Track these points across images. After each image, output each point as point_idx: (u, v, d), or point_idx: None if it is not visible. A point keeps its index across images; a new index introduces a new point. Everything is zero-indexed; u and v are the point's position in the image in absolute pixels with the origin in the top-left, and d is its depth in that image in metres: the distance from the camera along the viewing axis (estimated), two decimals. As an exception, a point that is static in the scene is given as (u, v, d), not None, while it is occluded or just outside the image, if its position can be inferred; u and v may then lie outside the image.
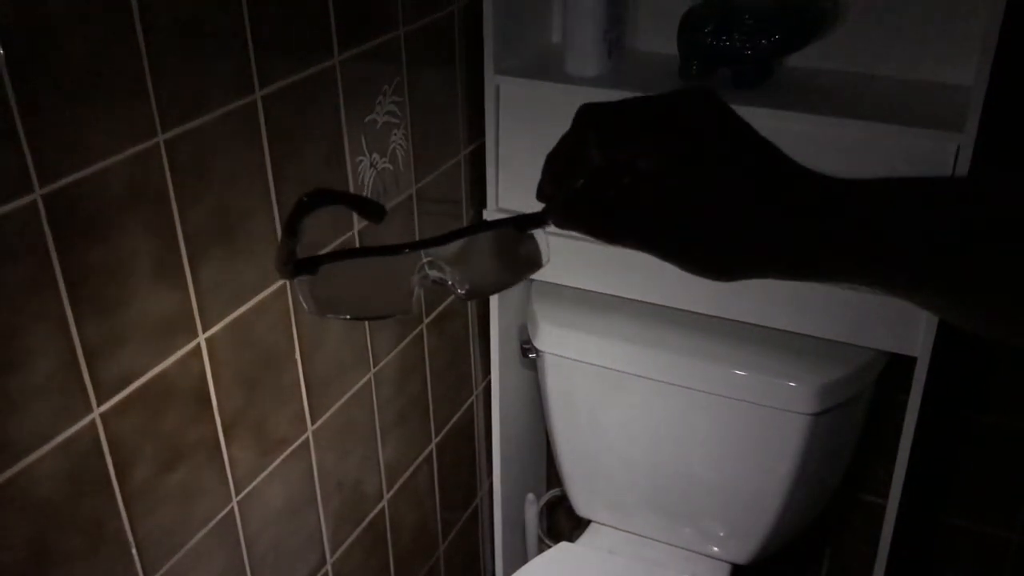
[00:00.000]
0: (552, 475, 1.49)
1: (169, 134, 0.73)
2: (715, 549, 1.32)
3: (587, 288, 1.23)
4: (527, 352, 1.29)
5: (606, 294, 1.23)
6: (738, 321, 1.17)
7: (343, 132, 0.95)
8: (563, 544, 1.31)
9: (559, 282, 1.25)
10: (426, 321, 1.18)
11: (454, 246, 0.49)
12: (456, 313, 1.26)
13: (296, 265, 0.49)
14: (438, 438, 1.27)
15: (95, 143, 0.68)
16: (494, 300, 1.30)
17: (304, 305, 0.50)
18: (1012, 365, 1.27)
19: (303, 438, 0.98)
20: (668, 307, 1.20)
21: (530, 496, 1.41)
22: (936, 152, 0.99)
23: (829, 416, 1.15)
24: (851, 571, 1.51)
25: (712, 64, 1.11)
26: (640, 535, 1.35)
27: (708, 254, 0.45)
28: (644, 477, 1.30)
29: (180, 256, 0.77)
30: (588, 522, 1.38)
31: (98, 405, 0.72)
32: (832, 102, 1.06)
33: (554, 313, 1.26)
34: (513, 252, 0.51)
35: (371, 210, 0.56)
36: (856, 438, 1.26)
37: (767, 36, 1.06)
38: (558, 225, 0.48)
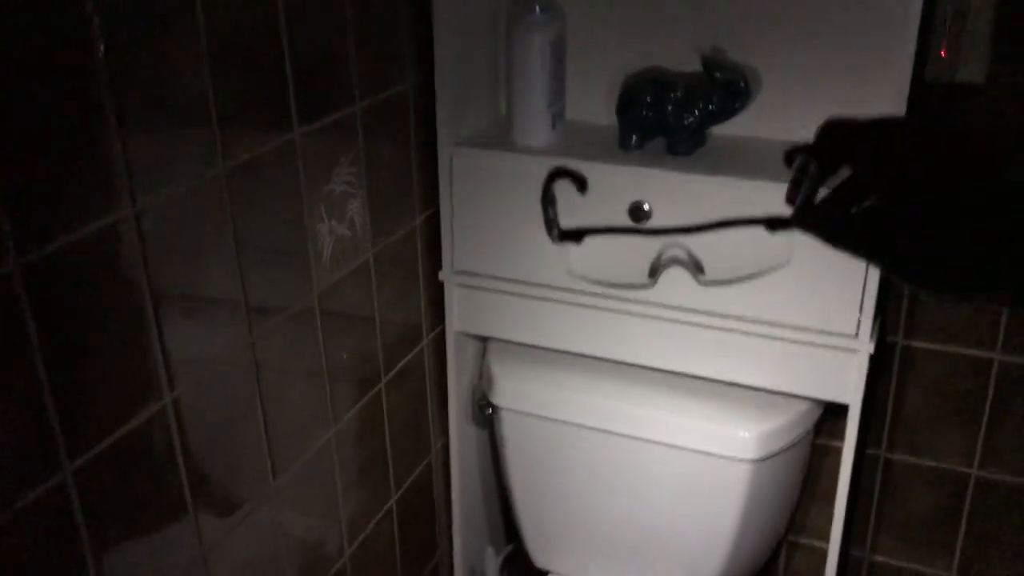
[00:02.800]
0: (510, 527, 1.53)
1: (139, 205, 0.78)
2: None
3: (540, 345, 1.29)
4: (484, 409, 1.34)
5: (558, 350, 1.28)
6: (683, 373, 1.23)
7: (303, 201, 1.00)
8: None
9: (513, 339, 1.30)
10: (385, 379, 1.23)
11: (701, 236, 0.53)
12: (413, 372, 1.31)
13: (563, 233, 0.56)
14: (398, 494, 1.31)
15: (66, 214, 0.73)
16: (450, 359, 1.35)
17: (564, 267, 0.56)
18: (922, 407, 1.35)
19: (266, 495, 1.02)
20: (618, 361, 1.26)
21: (489, 550, 1.44)
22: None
23: (771, 462, 1.20)
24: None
25: (649, 134, 1.19)
26: (597, 585, 1.39)
27: (947, 273, 0.46)
28: (598, 527, 1.34)
29: (148, 322, 0.82)
30: (546, 573, 1.42)
31: (70, 461, 0.76)
32: (761, 167, 1.14)
33: (509, 370, 1.31)
34: (758, 249, 0.57)
35: (579, 181, 0.64)
36: (799, 482, 1.32)
37: (698, 108, 1.14)
38: (800, 228, 0.51)
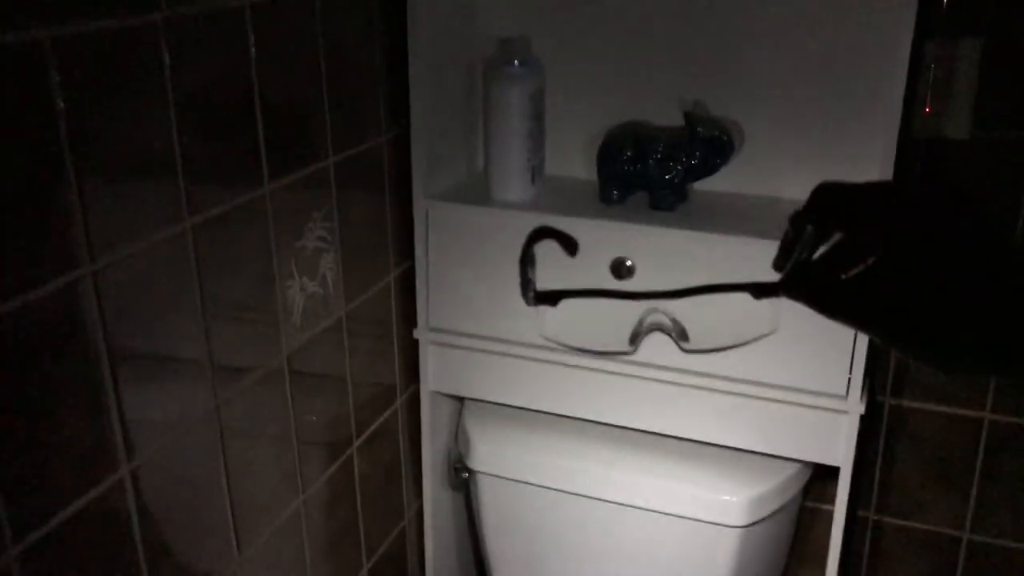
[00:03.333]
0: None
1: (99, 263, 0.74)
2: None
3: (519, 405, 1.24)
4: (460, 473, 1.29)
5: (538, 411, 1.24)
6: (668, 435, 1.19)
7: (273, 258, 0.96)
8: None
9: (491, 400, 1.26)
10: (356, 443, 1.17)
11: (685, 300, 0.52)
12: (386, 434, 1.25)
13: (539, 295, 0.55)
14: (370, 563, 1.25)
15: (20, 273, 0.68)
16: (425, 420, 1.30)
17: (538, 329, 0.55)
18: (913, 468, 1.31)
19: (230, 571, 0.95)
20: (599, 423, 1.21)
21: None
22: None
23: (760, 527, 1.16)
24: None
25: (631, 189, 1.16)
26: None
27: (940, 347, 0.45)
28: (580, 597, 1.29)
29: (105, 386, 0.76)
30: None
31: (14, 543, 0.70)
32: (741, 223, 1.11)
33: (486, 432, 1.26)
34: (744, 316, 0.53)
35: (569, 245, 0.59)
36: (787, 545, 1.28)
37: (679, 163, 1.12)
38: (786, 294, 0.50)
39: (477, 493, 1.28)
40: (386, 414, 1.25)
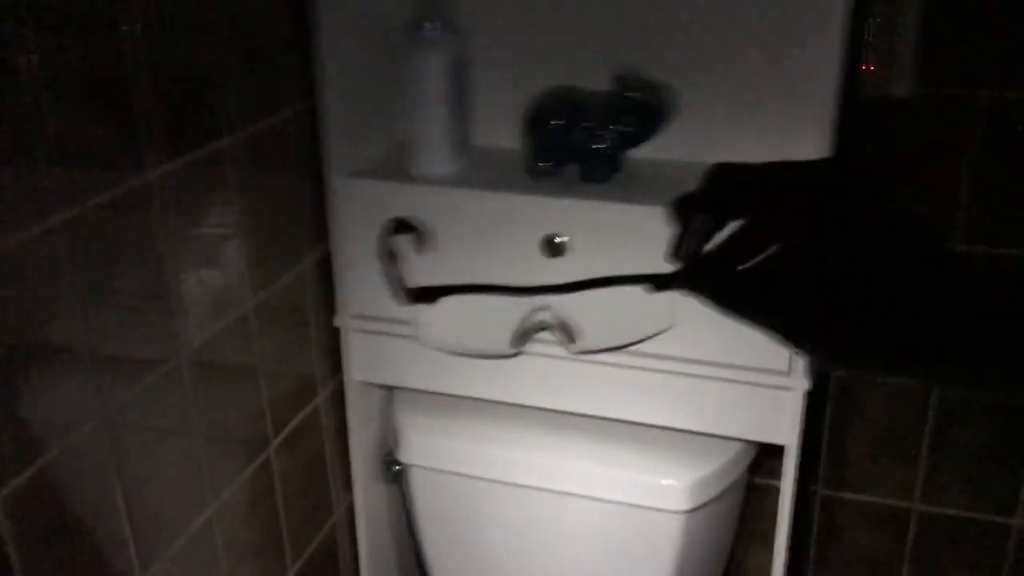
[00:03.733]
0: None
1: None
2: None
3: (450, 393, 1.17)
4: (391, 465, 1.22)
5: (470, 398, 1.17)
6: (605, 418, 1.13)
7: (165, 250, 0.87)
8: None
9: (420, 388, 1.18)
10: (274, 443, 1.09)
11: (575, 296, 0.46)
12: (309, 429, 1.17)
13: (415, 293, 0.48)
14: (296, 567, 1.17)
15: None
16: (351, 412, 1.22)
17: (414, 333, 0.47)
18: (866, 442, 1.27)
19: (133, 592, 0.87)
20: (535, 408, 1.15)
21: (402, 620, 1.32)
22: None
23: (704, 510, 1.11)
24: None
25: (560, 160, 1.09)
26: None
27: (847, 342, 0.40)
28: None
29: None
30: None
31: None
32: (679, 193, 1.05)
33: (417, 422, 1.19)
34: (638, 312, 0.50)
35: (419, 235, 0.50)
36: (734, 525, 1.23)
37: (612, 131, 1.05)
38: (685, 289, 0.45)
39: (410, 486, 1.21)
40: (308, 408, 1.17)
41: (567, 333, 0.51)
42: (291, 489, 1.13)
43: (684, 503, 1.08)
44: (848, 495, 1.31)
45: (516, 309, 0.50)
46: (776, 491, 1.25)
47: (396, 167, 1.13)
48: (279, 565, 1.14)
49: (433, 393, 1.18)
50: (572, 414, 1.14)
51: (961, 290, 0.39)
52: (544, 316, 0.51)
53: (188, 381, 0.92)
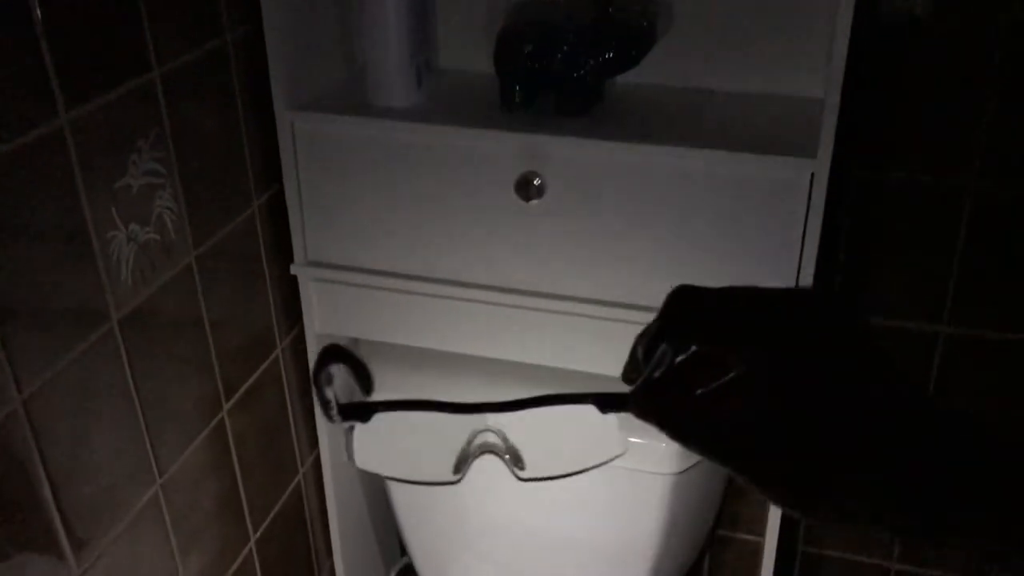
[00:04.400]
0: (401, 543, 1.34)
1: None
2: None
3: (419, 346, 1.08)
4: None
5: (441, 352, 1.08)
6: (589, 375, 1.04)
7: (83, 208, 0.76)
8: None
9: (386, 341, 1.09)
10: (227, 405, 1.00)
11: (521, 415, 0.45)
12: (267, 385, 1.08)
13: (345, 410, 0.45)
14: (259, 533, 1.10)
15: None
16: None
17: (346, 454, 0.46)
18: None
19: (69, 584, 0.79)
20: (513, 362, 1.06)
21: (375, 579, 1.25)
22: (788, 181, 0.89)
23: (694, 471, 1.03)
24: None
25: (534, 88, 0.97)
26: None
27: (800, 487, 0.38)
28: (500, 549, 1.16)
29: None
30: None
31: None
32: (670, 128, 0.94)
33: (384, 379, 1.09)
34: (588, 434, 0.46)
35: (362, 378, 0.46)
36: (724, 483, 1.16)
37: (593, 55, 0.93)
38: (634, 413, 0.43)
39: (377, 445, 1.13)
40: (265, 364, 1.07)
41: (516, 457, 0.47)
42: (248, 452, 1.05)
43: (674, 464, 1.01)
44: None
45: (459, 430, 0.46)
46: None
47: (353, 98, 1.01)
48: (239, 533, 1.06)
49: (402, 347, 1.09)
50: (555, 370, 1.05)
51: (934, 445, 0.37)
52: (489, 438, 0.47)
53: (123, 347, 0.82)
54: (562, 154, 0.93)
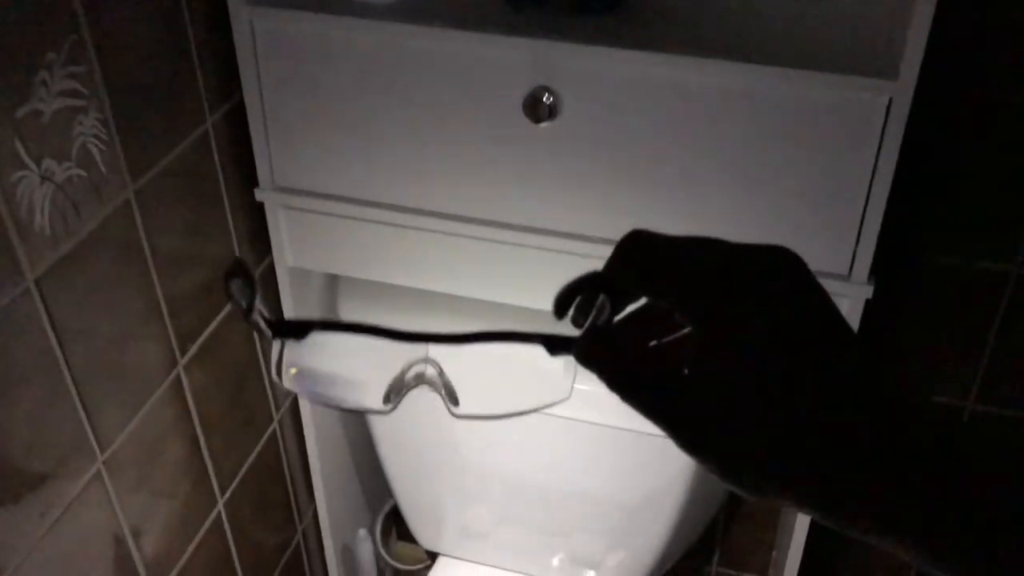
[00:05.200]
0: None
1: None
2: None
3: (406, 285, 0.93)
4: (336, 369, 0.99)
5: (433, 292, 0.93)
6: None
7: (-24, 144, 0.59)
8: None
9: (368, 278, 0.94)
10: (184, 359, 0.86)
11: (462, 349, 0.43)
12: (233, 329, 0.94)
13: (281, 327, 0.43)
14: (227, 495, 0.97)
15: None
16: (287, 303, 0.98)
17: (274, 374, 0.44)
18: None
19: (-8, 590, 0.67)
20: (515, 306, 0.91)
21: (362, 532, 1.14)
22: (857, 106, 0.72)
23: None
24: (745, 559, 1.33)
25: (548, -17, 0.79)
26: (501, 569, 1.11)
27: (741, 462, 0.35)
28: (497, 507, 1.05)
29: None
30: (436, 555, 1.13)
31: None
32: (709, 36, 0.76)
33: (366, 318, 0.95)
34: (532, 375, 0.44)
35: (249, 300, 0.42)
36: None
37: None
38: (578, 360, 0.41)
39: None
40: (230, 305, 0.92)
41: (450, 393, 0.45)
42: (212, 407, 0.92)
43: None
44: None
45: (395, 358, 0.43)
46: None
47: (326, -9, 0.83)
48: (204, 499, 0.94)
49: (384, 285, 0.94)
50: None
51: (892, 427, 0.34)
52: (425, 369, 0.44)
53: (43, 311, 0.67)
54: (580, 65, 0.76)
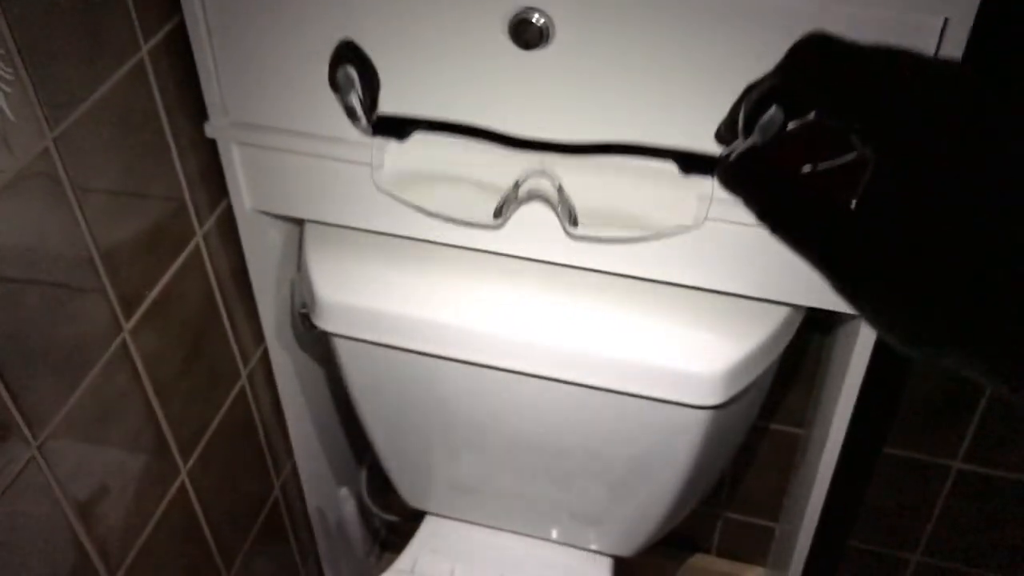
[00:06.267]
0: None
1: None
2: (591, 542, 1.02)
3: (380, 231, 0.82)
4: (307, 324, 0.89)
5: (411, 239, 0.83)
6: (600, 272, 0.80)
7: None
8: (391, 573, 0.98)
9: (338, 223, 0.83)
10: (129, 325, 0.76)
11: (584, 161, 0.38)
12: (187, 283, 0.84)
13: (381, 123, 0.40)
14: (190, 463, 0.89)
15: None
16: (248, 248, 0.88)
17: (373, 178, 0.42)
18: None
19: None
20: (503, 254, 0.81)
21: (343, 491, 1.06)
22: (903, 29, 0.61)
23: (736, 399, 0.81)
24: (755, 503, 1.27)
25: None
26: (491, 528, 1.04)
27: (920, 312, 0.29)
28: (488, 466, 0.96)
29: None
30: (424, 514, 1.06)
31: None
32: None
33: (339, 276, 0.85)
34: (658, 196, 0.39)
35: (370, 80, 0.42)
36: (765, 395, 0.94)
37: None
38: (723, 181, 0.35)
39: (336, 355, 0.90)
40: (182, 257, 0.82)
41: (568, 211, 0.40)
42: (167, 369, 0.82)
43: (715, 396, 0.78)
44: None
45: (508, 167, 0.39)
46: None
47: None
48: (165, 469, 0.85)
49: (357, 231, 0.84)
50: (554, 265, 0.80)
51: None
52: (542, 184, 0.39)
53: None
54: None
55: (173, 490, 0.87)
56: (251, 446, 1.02)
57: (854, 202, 0.31)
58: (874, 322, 0.31)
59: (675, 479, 0.88)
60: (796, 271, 0.72)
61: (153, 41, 0.73)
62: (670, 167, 0.38)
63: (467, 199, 0.43)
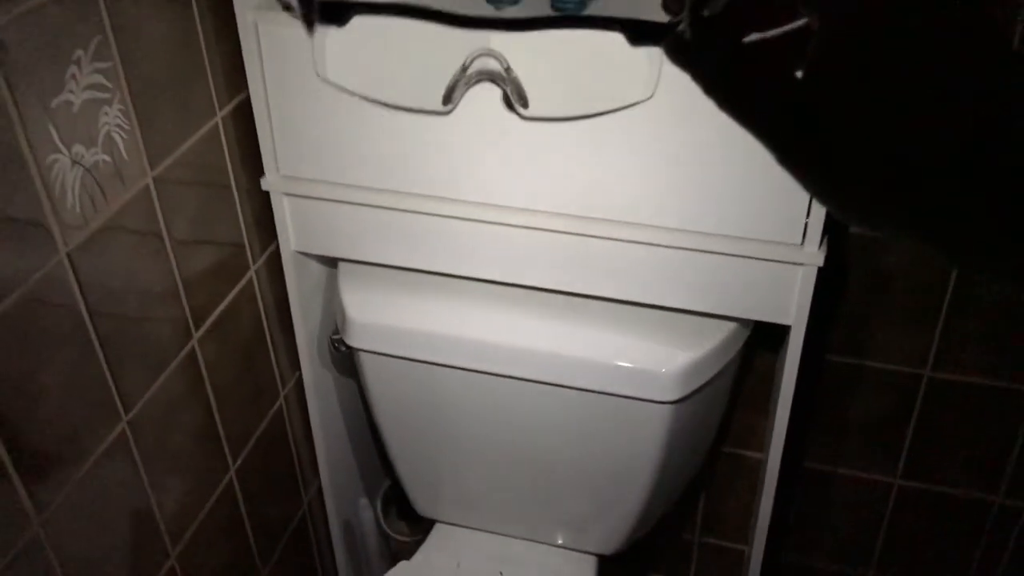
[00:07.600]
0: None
1: None
2: (577, 542, 1.16)
3: (404, 266, 1.01)
4: (338, 347, 1.07)
5: (427, 272, 1.01)
6: (582, 295, 0.97)
7: (17, 130, 0.67)
8: (402, 565, 1.13)
9: (368, 260, 1.02)
10: (198, 333, 0.94)
11: (532, 37, 0.36)
12: (242, 307, 1.02)
13: (322, 7, 0.36)
14: (238, 461, 1.05)
15: None
16: (291, 286, 1.06)
17: (314, 64, 0.39)
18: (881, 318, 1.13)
19: (31, 533, 0.74)
20: (501, 284, 0.99)
21: (363, 501, 1.22)
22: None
23: (693, 398, 0.98)
24: (727, 527, 1.40)
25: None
26: (493, 532, 1.18)
27: (852, 184, 0.29)
28: (489, 474, 1.12)
29: None
30: (434, 522, 1.21)
31: None
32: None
33: (364, 301, 1.03)
34: (610, 70, 0.38)
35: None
36: (726, 406, 1.11)
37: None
38: (669, 55, 0.35)
39: (361, 371, 1.07)
40: (239, 287, 1.00)
41: (518, 91, 0.39)
42: (224, 378, 0.99)
43: (674, 391, 0.95)
44: (854, 361, 1.19)
45: (455, 49, 0.38)
46: (773, 364, 1.13)
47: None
48: (218, 463, 1.01)
49: (384, 266, 1.02)
50: (544, 291, 0.98)
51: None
52: (490, 63, 0.39)
53: (75, 280, 0.75)
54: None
55: (223, 485, 1.03)
56: (285, 462, 1.18)
57: (800, 72, 0.30)
58: (820, 197, 0.31)
59: (647, 473, 1.03)
60: (745, 292, 0.90)
61: (227, 109, 0.93)
62: (618, 38, 0.36)
63: (415, 85, 0.41)
